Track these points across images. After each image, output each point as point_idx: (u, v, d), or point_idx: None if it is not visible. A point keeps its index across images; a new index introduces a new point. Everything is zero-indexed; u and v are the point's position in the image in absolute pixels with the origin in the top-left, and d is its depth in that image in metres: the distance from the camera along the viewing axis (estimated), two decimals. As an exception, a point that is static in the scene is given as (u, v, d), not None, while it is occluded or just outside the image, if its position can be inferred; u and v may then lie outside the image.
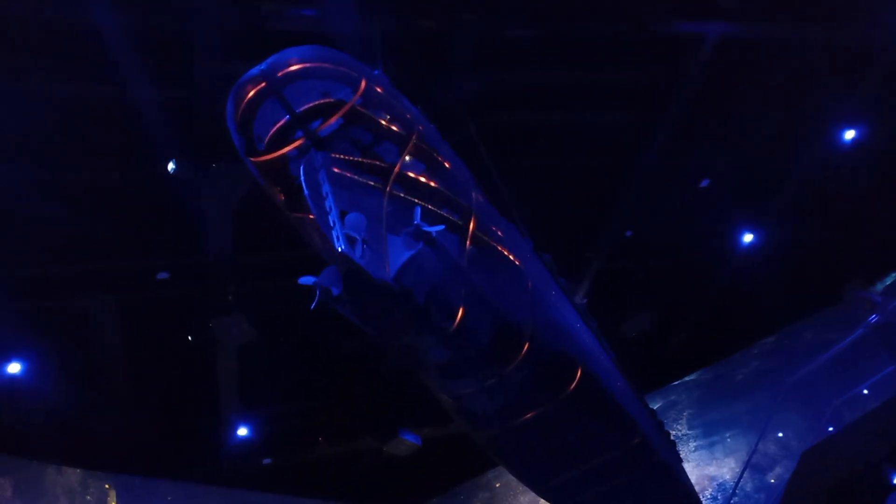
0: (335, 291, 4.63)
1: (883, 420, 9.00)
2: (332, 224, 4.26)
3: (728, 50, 10.47)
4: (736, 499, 12.95)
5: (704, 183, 12.59)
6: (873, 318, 10.44)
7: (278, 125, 4.63)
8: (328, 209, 4.34)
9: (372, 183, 4.85)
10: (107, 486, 13.40)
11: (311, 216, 4.82)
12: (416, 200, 5.01)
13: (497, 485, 17.66)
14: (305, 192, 4.38)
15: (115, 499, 13.42)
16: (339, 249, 4.16)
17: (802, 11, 10.31)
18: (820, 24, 10.47)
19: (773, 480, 13.34)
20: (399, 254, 4.65)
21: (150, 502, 13.82)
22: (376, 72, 5.06)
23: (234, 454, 13.95)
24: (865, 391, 12.17)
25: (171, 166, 9.78)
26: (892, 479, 8.84)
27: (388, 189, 4.85)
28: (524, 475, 7.82)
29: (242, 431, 13.69)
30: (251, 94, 4.53)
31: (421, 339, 5.37)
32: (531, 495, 16.81)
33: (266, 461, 14.83)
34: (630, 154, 12.03)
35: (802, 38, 10.64)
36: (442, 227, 4.76)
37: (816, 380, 14.53)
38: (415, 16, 9.47)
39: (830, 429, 11.02)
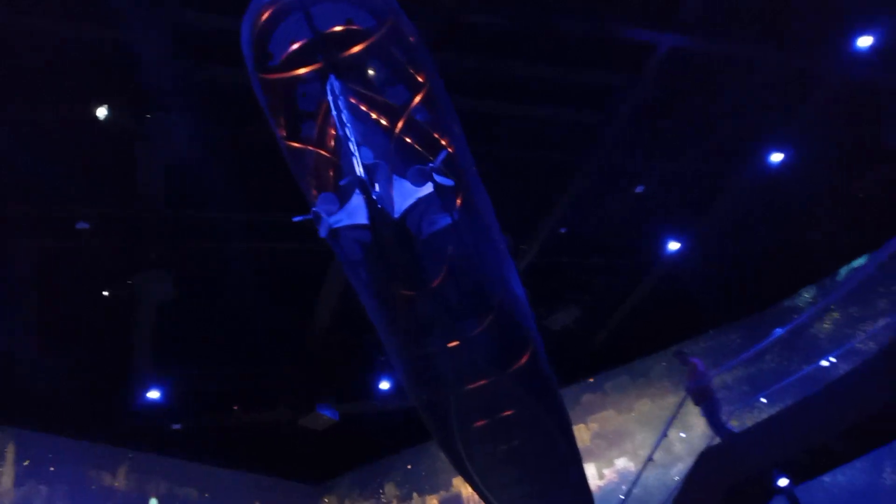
0: (331, 217, 4.61)
1: (776, 428, 9.59)
2: (353, 151, 4.23)
3: (681, 61, 10.77)
4: (637, 490, 13.46)
5: (639, 189, 12.95)
6: (778, 330, 11.07)
7: (296, 45, 4.47)
8: (349, 137, 4.29)
9: (382, 121, 4.81)
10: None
11: (307, 146, 4.85)
12: (418, 147, 5.01)
13: (409, 467, 17.93)
14: (334, 113, 4.30)
15: (13, 451, 12.87)
16: (361, 176, 4.19)
17: (754, 32, 10.73)
18: (769, 45, 10.89)
19: (676, 478, 13.94)
20: (404, 194, 4.66)
21: (50, 459, 13.27)
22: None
23: (144, 417, 13.54)
24: (763, 399, 12.89)
25: None
26: (776, 482, 9.47)
27: (396, 130, 4.83)
28: (451, 446, 7.93)
29: (154, 394, 13.27)
30: (277, 5, 4.33)
31: (407, 283, 5.43)
32: (446, 475, 17.20)
33: (176, 426, 14.45)
34: (575, 152, 12.24)
35: (751, 57, 11.04)
36: (452, 182, 4.74)
37: (725, 384, 15.35)
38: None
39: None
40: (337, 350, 14.13)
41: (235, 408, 14.96)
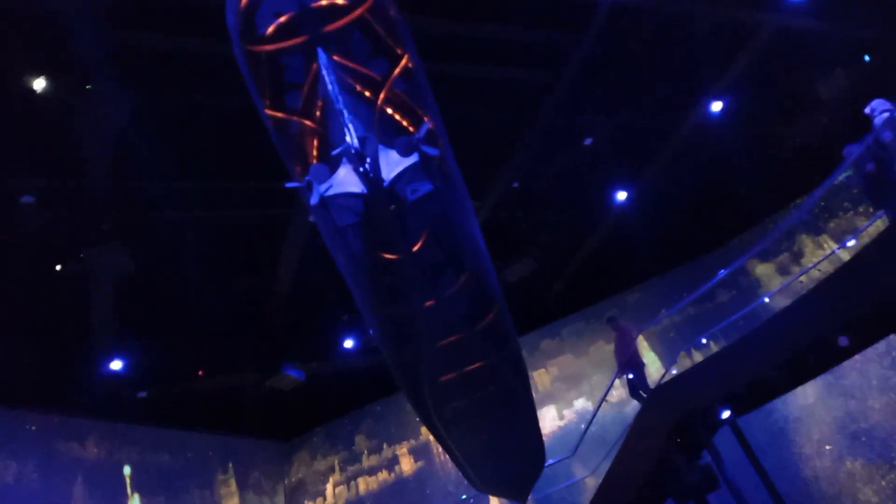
0: (321, 187, 4.80)
1: (719, 365, 10.17)
2: (346, 123, 4.42)
3: (622, 17, 10.93)
4: (594, 428, 14.12)
5: (587, 141, 13.23)
6: (722, 271, 11.61)
7: (283, 18, 4.59)
8: (342, 109, 4.46)
9: (366, 93, 4.92)
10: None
11: (292, 116, 5.00)
12: (399, 118, 5.16)
13: (377, 408, 18.42)
14: (328, 85, 4.45)
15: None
16: (355, 145, 4.41)
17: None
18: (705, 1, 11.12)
19: (630, 412, 14.64)
20: (390, 164, 4.87)
21: (17, 434, 13.22)
22: None
23: (109, 387, 13.54)
24: (704, 340, 13.58)
25: None
26: (720, 415, 10.13)
27: (379, 101, 4.99)
28: (420, 400, 8.28)
29: (116, 364, 13.27)
30: None
31: (391, 248, 5.67)
32: (414, 426, 17.73)
33: (142, 394, 14.51)
34: (524, 109, 12.40)
35: (689, 12, 11.25)
36: (437, 152, 4.96)
37: (675, 326, 16.08)
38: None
39: (674, 371, 12.27)
40: (299, 312, 14.29)
41: (200, 373, 15.05)
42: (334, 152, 4.83)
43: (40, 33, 8.93)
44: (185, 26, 9.51)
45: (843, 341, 8.59)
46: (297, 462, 18.63)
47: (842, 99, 12.65)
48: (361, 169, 4.70)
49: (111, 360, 13.15)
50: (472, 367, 7.70)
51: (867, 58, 12.40)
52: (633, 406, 14.91)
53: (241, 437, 17.29)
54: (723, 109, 12.97)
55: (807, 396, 14.17)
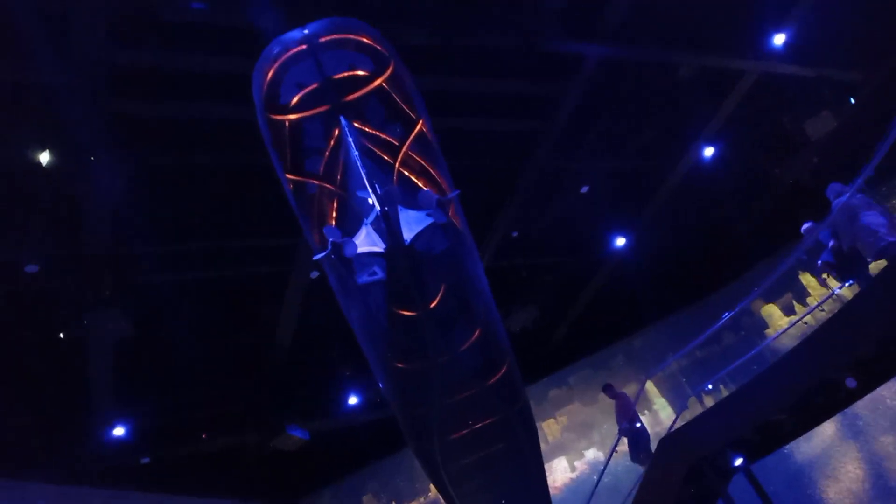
0: (347, 241, 5.05)
1: (727, 410, 9.99)
2: (369, 186, 4.71)
3: (608, 69, 11.20)
4: (607, 479, 13.82)
5: (584, 189, 13.37)
6: (726, 314, 11.53)
7: (307, 89, 4.89)
8: (363, 171, 4.72)
9: (384, 156, 5.07)
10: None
11: (312, 179, 5.29)
12: (415, 179, 5.33)
13: (385, 465, 18.01)
14: (351, 151, 4.74)
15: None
16: (377, 208, 4.71)
17: (674, 39, 11.21)
18: (688, 50, 11.40)
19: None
20: (409, 222, 5.13)
21: (18, 505, 12.98)
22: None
23: (112, 454, 13.36)
24: (710, 386, 13.38)
25: None
26: (733, 462, 9.89)
27: (397, 164, 5.12)
28: (429, 456, 8.16)
29: (119, 431, 13.13)
30: (290, 53, 4.75)
31: (410, 304, 5.76)
32: (422, 483, 17.37)
33: (145, 460, 14.30)
34: (517, 160, 12.59)
35: (675, 61, 11.53)
36: (445, 219, 5.20)
37: (683, 369, 15.89)
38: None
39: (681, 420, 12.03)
40: (300, 370, 14.20)
41: (204, 436, 14.85)
42: (367, 221, 5.07)
43: (37, 107, 9.17)
44: (178, 92, 9.77)
45: (851, 383, 8.45)
46: (306, 525, 18.20)
47: (831, 138, 12.83)
48: (384, 228, 4.91)
49: (114, 427, 13.02)
50: (483, 423, 7.65)
51: (852, 100, 12.64)
52: (646, 455, 14.64)
53: (246, 502, 16.92)
54: (715, 154, 13.15)
55: (824, 439, 13.90)
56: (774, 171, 13.52)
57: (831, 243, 8.55)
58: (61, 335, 11.82)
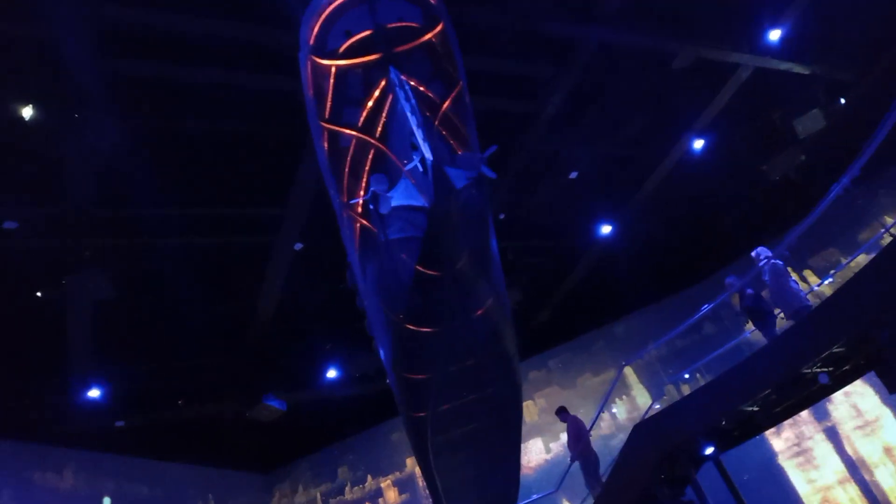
0: (383, 195, 5.01)
1: (701, 400, 10.13)
2: (422, 137, 4.63)
3: (604, 55, 11.14)
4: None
5: (573, 175, 13.36)
6: (706, 306, 11.65)
7: (357, 36, 4.82)
8: (418, 124, 4.65)
9: (427, 112, 5.07)
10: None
11: (350, 130, 5.18)
12: (451, 140, 5.26)
13: (362, 439, 18.20)
14: (403, 101, 4.65)
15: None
16: (428, 158, 4.62)
17: (672, 28, 11.15)
18: (684, 40, 11.36)
19: (617, 445, 14.54)
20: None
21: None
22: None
23: (87, 416, 13.33)
24: (686, 375, 13.59)
25: None
26: (704, 450, 10.06)
27: (436, 122, 5.10)
28: (419, 427, 8.20)
29: (94, 393, 13.08)
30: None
31: (438, 263, 5.73)
32: (399, 457, 17.52)
33: (119, 424, 14.28)
34: (507, 142, 12.51)
35: (671, 51, 11.49)
36: (495, 175, 5.09)
37: (662, 357, 16.08)
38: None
39: (657, 406, 12.23)
40: (281, 342, 14.19)
41: (180, 402, 14.84)
42: (408, 166, 4.96)
43: (31, 60, 8.98)
44: (173, 54, 9.61)
45: (823, 378, 8.59)
46: (279, 494, 18.28)
47: (819, 137, 12.90)
48: (432, 180, 4.82)
49: (89, 388, 12.96)
50: (478, 395, 7.68)
51: (842, 101, 12.69)
52: (620, 439, 14.84)
53: (220, 469, 16.98)
54: (705, 146, 13.20)
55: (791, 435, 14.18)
56: (762, 166, 13.60)
57: (749, 291, 9.95)
58: (38, 294, 11.70)
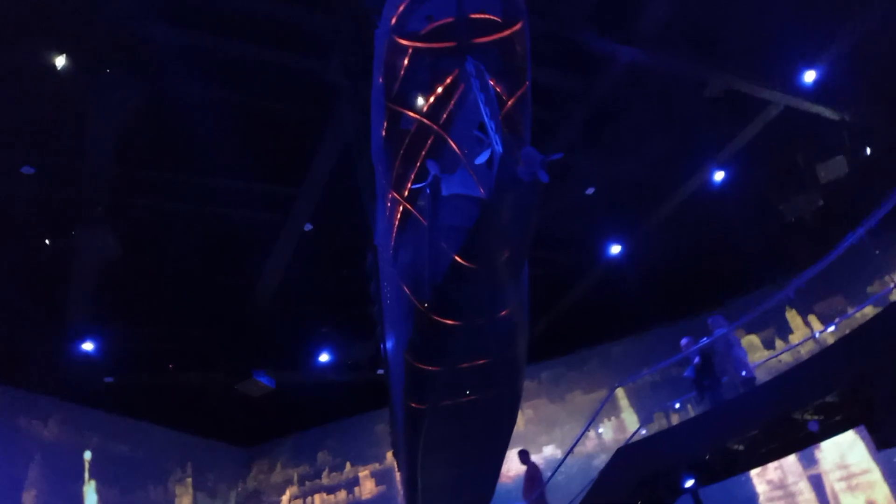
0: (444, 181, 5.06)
1: (689, 431, 10.11)
2: (493, 127, 4.64)
3: (636, 74, 11.08)
4: (560, 477, 13.98)
5: (590, 191, 13.31)
6: (704, 339, 11.61)
7: (439, 22, 4.85)
8: (489, 113, 4.66)
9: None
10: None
11: (414, 113, 5.24)
12: (510, 137, 5.29)
13: (346, 426, 18.17)
14: (477, 92, 4.68)
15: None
16: (498, 150, 4.61)
17: (708, 57, 11.11)
18: (721, 71, 11.29)
19: (598, 465, 14.52)
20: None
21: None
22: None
23: (78, 368, 13.40)
24: (677, 405, 13.53)
25: None
26: (684, 482, 10.02)
27: (500, 118, 5.13)
28: (415, 419, 8.12)
29: (88, 346, 13.15)
30: None
31: (478, 256, 5.71)
32: (379, 449, 17.52)
33: (108, 380, 14.34)
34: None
35: (703, 79, 11.42)
36: (548, 179, 5.05)
37: (655, 384, 16.01)
38: None
39: (644, 431, 12.19)
40: (277, 320, 14.20)
41: (171, 367, 14.90)
42: (479, 159, 4.95)
43: (71, 11, 9.04)
44: (209, 23, 9.65)
45: (813, 426, 8.55)
46: (256, 470, 18.36)
47: (840, 184, 12.81)
48: (494, 174, 4.81)
49: (83, 341, 13.02)
50: (481, 395, 7.66)
51: (868, 150, 12.60)
52: (602, 460, 14.80)
53: (202, 438, 17.07)
54: (725, 178, 13.13)
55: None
56: (779, 205, 13.52)
57: (696, 360, 10.36)
58: (47, 241, 11.78)
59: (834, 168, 12.67)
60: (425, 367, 7.13)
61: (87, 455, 14.47)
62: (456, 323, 6.44)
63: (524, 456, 11.68)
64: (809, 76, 11.44)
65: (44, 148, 10.64)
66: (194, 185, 11.87)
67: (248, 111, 10.88)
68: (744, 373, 9.68)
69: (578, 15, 10.17)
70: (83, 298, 12.42)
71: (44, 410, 13.97)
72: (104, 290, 12.23)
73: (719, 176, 13.05)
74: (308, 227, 12.77)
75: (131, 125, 10.22)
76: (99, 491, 14.41)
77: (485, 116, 4.71)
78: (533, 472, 11.54)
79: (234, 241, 12.88)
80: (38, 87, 9.64)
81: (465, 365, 7.04)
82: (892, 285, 11.82)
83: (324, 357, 15.45)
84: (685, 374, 10.77)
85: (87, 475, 14.32)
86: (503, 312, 6.58)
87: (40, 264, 12.09)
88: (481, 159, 4.96)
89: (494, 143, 4.67)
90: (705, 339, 10.18)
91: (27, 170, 10.80)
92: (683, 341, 10.87)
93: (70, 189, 11.13)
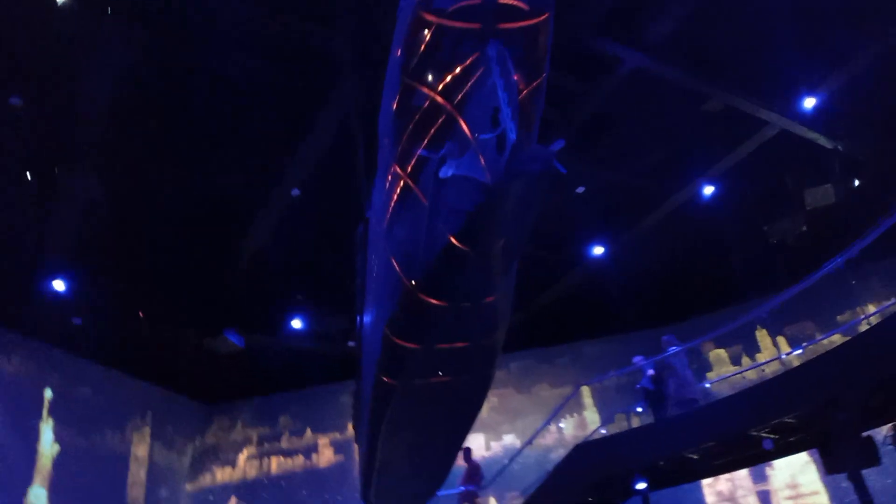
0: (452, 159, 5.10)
1: (646, 436, 10.28)
2: (509, 113, 4.60)
3: (638, 81, 11.09)
4: (516, 466, 14.15)
5: (580, 189, 13.36)
6: (673, 348, 11.77)
7: (467, 2, 4.75)
8: (506, 100, 4.61)
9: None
10: None
11: (429, 90, 5.21)
12: (524, 127, 5.26)
13: (311, 393, 18.30)
14: (496, 77, 4.64)
15: None
16: (511, 137, 4.55)
17: (713, 72, 11.15)
18: (723, 87, 11.33)
19: (555, 458, 14.73)
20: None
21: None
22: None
23: (47, 306, 13.23)
24: (639, 409, 13.73)
25: None
26: (635, 484, 10.19)
27: (517, 105, 5.07)
28: (386, 396, 8.07)
29: (59, 285, 12.98)
30: None
31: (475, 240, 5.69)
32: (342, 419, 17.57)
33: (77, 321, 14.18)
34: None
35: (704, 93, 11.45)
36: (565, 171, 4.96)
37: (621, 386, 16.20)
38: None
39: (603, 431, 12.38)
40: (254, 282, 14.15)
41: (141, 315, 14.76)
42: (485, 136, 4.95)
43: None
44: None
45: (768, 444, 8.72)
46: (217, 426, 18.33)
47: (825, 212, 12.97)
48: (504, 160, 4.78)
49: (55, 278, 12.86)
50: (451, 378, 7.69)
51: (857, 182, 12.76)
52: (560, 454, 15.01)
53: (165, 389, 16.98)
54: (714, 193, 13.23)
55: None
56: (764, 226, 13.68)
57: (651, 372, 10.70)
58: (28, 175, 11.58)
59: (821, 195, 12.83)
60: (403, 344, 7.14)
61: (48, 393, 14.35)
62: (441, 303, 6.44)
63: (467, 453, 11.62)
64: (809, 102, 11.54)
65: (38, 82, 10.43)
66: (186, 147, 11.71)
67: (249, 78, 10.75)
68: (689, 395, 10.08)
69: (586, 22, 10.12)
70: (61, 236, 12.26)
71: (8, 345, 13.79)
72: (84, 233, 12.08)
73: (709, 190, 13.17)
74: (296, 192, 12.71)
75: (129, 77, 10.05)
76: (56, 430, 14.32)
77: (502, 102, 4.69)
78: (472, 471, 11.57)
79: (222, 205, 12.78)
80: (38, 23, 9.43)
81: (443, 346, 7.06)
82: (861, 316, 12.04)
83: (296, 323, 15.42)
84: (638, 385, 11.10)
85: (45, 412, 14.22)
86: (489, 299, 6.60)
87: (20, 197, 11.89)
88: (486, 136, 4.97)
89: (509, 130, 4.65)
90: (656, 357, 10.65)
91: (14, 100, 10.60)
92: (636, 359, 11.18)
93: (61, 129, 10.94)
